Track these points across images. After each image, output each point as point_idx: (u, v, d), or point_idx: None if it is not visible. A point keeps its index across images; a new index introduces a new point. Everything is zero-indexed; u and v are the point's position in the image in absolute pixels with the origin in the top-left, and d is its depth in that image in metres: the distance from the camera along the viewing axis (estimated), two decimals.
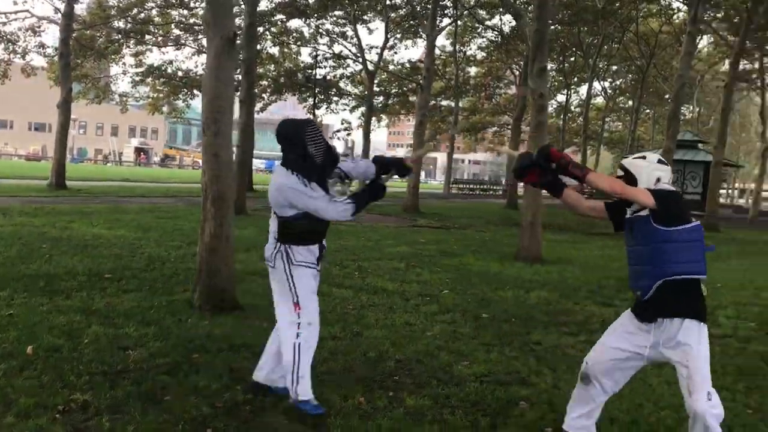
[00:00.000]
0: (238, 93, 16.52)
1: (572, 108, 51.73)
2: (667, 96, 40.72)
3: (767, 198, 48.16)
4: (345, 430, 3.99)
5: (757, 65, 36.20)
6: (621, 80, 49.97)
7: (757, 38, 30.23)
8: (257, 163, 76.79)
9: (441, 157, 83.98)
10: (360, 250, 11.90)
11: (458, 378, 5.10)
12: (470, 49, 41.68)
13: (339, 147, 21.27)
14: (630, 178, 3.63)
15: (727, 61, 30.94)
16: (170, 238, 11.68)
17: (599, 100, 52.71)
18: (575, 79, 45.51)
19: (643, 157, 3.72)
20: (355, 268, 9.81)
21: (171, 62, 32.76)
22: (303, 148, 4.15)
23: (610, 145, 59.92)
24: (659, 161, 3.68)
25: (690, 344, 3.44)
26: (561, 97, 49.15)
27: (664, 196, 3.47)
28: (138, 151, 76.82)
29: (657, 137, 47.34)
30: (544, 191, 3.88)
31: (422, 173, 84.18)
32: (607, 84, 50.14)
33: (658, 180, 3.59)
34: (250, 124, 17.68)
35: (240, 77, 17.71)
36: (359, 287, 8.37)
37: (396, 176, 4.54)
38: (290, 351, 4.20)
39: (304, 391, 4.19)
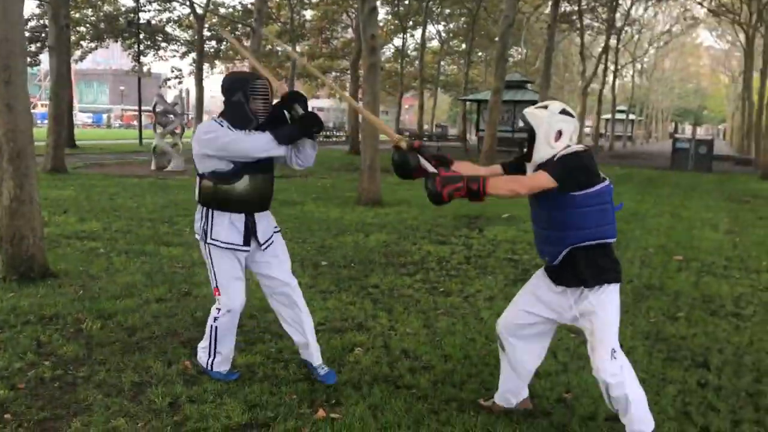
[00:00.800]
0: (47, 40, 14.91)
1: (409, 52, 52.36)
2: (496, 39, 42.27)
3: (589, 134, 51.87)
4: (166, 398, 3.69)
5: (576, 7, 38.27)
6: (454, 23, 51.10)
7: None
8: (83, 117, 71.62)
9: None
10: (191, 205, 11.22)
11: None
12: None
13: (169, 97, 20.10)
14: (530, 131, 3.27)
15: (549, 3, 32.38)
16: None
17: (434, 44, 53.72)
18: (410, 23, 45.92)
19: (545, 107, 3.30)
20: (185, 224, 9.27)
21: None
22: (244, 96, 3.64)
23: (446, 88, 61.53)
24: (562, 111, 3.27)
25: (596, 306, 3.22)
26: (398, 41, 49.54)
27: (566, 171, 3.11)
28: None
29: (489, 79, 49.14)
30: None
31: None
32: (441, 27, 51.10)
33: (560, 133, 3.21)
34: (63, 74, 16.11)
35: (47, 21, 16.05)
36: (190, 244, 7.89)
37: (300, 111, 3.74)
38: (207, 329, 3.97)
39: (218, 365, 3.99)
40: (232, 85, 3.70)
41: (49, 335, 4.62)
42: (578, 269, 3.22)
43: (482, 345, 4.70)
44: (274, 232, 3.99)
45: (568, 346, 4.76)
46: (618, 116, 54.77)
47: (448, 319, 5.35)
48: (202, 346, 4.03)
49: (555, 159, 3.18)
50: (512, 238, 8.96)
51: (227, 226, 3.74)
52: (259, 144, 3.61)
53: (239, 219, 3.75)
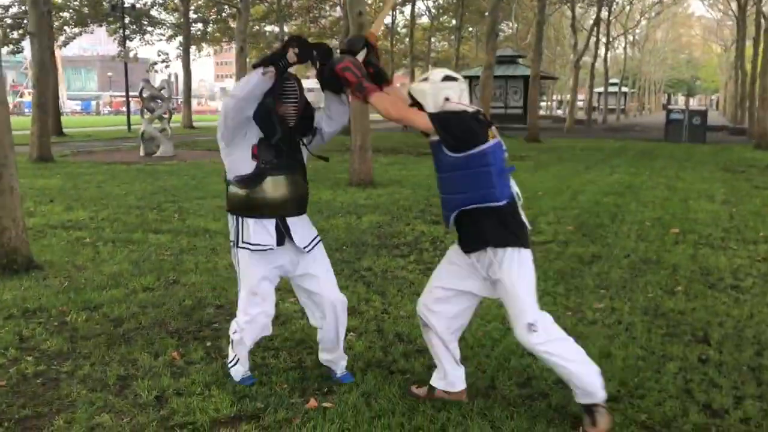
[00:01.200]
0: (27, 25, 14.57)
1: (398, 29, 51.90)
2: (487, 13, 41.81)
3: (582, 107, 51.68)
4: (153, 391, 3.57)
5: None
6: None
7: None
8: (72, 105, 71.00)
9: None
10: (180, 190, 11.14)
11: (284, 317, 4.79)
12: None
13: (156, 81, 19.71)
14: (419, 107, 3.25)
15: None
16: None
17: (424, 20, 53.24)
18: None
19: (426, 79, 3.28)
20: (174, 210, 9.12)
21: None
22: (270, 107, 3.37)
23: (437, 65, 61.17)
24: (445, 78, 3.24)
25: (502, 274, 3.17)
26: (387, 19, 49.04)
27: (444, 120, 3.13)
28: None
29: (480, 55, 48.80)
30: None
31: None
32: (430, 3, 50.68)
33: (447, 99, 3.20)
34: (46, 61, 15.80)
35: (26, 7, 15.73)
36: (178, 230, 7.77)
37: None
38: (231, 342, 3.70)
39: (237, 373, 3.72)
40: None
41: (32, 329, 4.49)
42: (469, 232, 3.23)
43: (477, 326, 4.57)
44: (316, 240, 3.67)
45: (566, 325, 4.63)
46: (610, 89, 54.51)
47: None
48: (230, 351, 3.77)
49: (432, 113, 3.20)
50: None
51: (258, 228, 3.47)
52: (249, 78, 3.30)
53: (270, 223, 3.49)
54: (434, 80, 3.24)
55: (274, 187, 3.44)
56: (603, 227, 8.19)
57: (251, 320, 3.58)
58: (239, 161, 3.43)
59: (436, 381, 3.53)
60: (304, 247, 3.55)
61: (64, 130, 27.18)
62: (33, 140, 15.72)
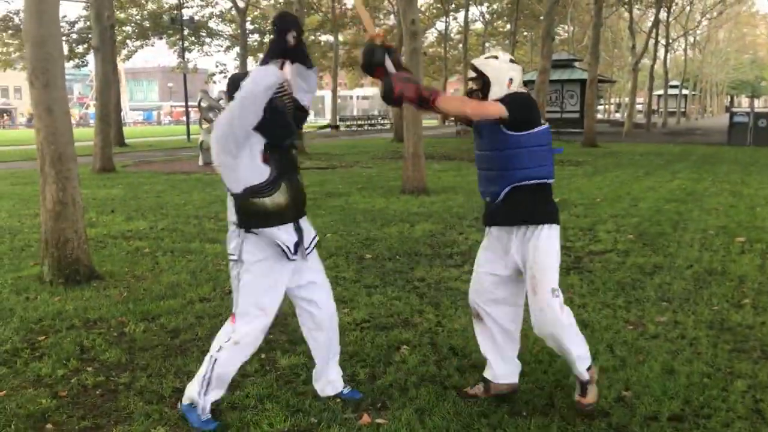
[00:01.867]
0: (91, 39, 15.08)
1: (452, 35, 51.75)
2: (542, 17, 41.23)
3: (641, 111, 50.48)
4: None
5: None
6: (497, 4, 50.23)
7: None
8: (134, 116, 73.21)
9: (327, 95, 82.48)
10: None
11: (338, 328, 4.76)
12: None
13: (214, 92, 20.11)
14: (483, 80, 3.41)
15: None
16: (26, 206, 10.63)
17: (478, 26, 52.95)
18: (453, 6, 45.34)
19: (496, 57, 3.45)
20: None
21: (18, 12, 29.86)
22: (282, 106, 3.21)
23: None
24: (511, 60, 3.45)
25: (539, 245, 3.36)
26: (441, 25, 49.01)
27: (516, 104, 3.28)
28: None
29: (535, 59, 48.20)
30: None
31: (312, 113, 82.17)
32: (484, 8, 50.33)
33: (511, 80, 3.39)
34: (108, 74, 16.30)
35: (90, 23, 16.25)
36: None
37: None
38: (206, 361, 3.40)
39: (203, 409, 3.37)
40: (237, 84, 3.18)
41: (93, 340, 4.59)
42: (522, 206, 3.38)
43: (534, 340, 4.43)
44: (316, 241, 3.51)
45: (626, 339, 4.51)
46: (670, 92, 53.10)
47: None
48: (198, 377, 3.42)
49: (505, 96, 3.34)
50: (563, 224, 8.64)
51: (282, 235, 3.28)
52: (258, 75, 3.05)
53: (287, 229, 3.30)
54: (504, 59, 3.43)
55: (288, 189, 3.28)
56: (665, 236, 7.94)
57: (254, 339, 3.40)
58: (249, 171, 3.18)
59: (486, 372, 3.67)
60: (308, 247, 3.43)
61: (126, 140, 27.99)
62: (96, 151, 16.20)
